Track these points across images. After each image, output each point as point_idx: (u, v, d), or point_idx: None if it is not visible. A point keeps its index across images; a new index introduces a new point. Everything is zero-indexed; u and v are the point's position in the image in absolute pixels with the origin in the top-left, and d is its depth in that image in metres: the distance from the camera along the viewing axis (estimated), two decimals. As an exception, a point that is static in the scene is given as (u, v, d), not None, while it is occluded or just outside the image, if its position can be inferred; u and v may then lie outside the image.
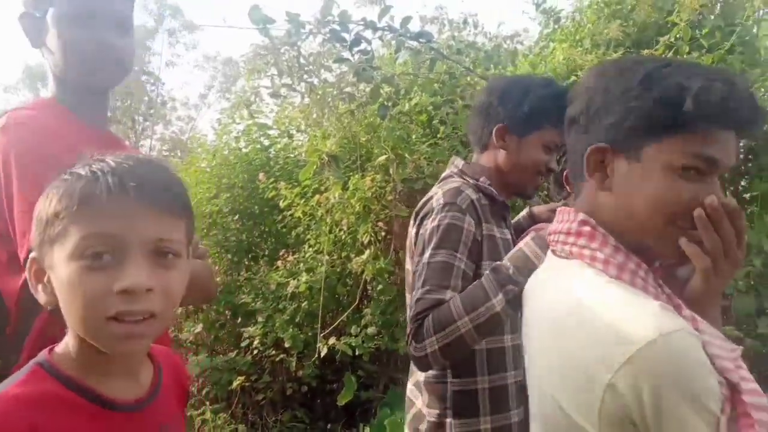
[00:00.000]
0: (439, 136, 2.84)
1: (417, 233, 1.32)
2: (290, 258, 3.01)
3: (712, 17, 3.09)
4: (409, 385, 1.47)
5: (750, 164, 3.32)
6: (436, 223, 1.25)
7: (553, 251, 0.89)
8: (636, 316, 0.73)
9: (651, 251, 0.82)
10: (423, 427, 1.35)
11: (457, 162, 1.46)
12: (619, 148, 0.80)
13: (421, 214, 1.33)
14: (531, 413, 0.91)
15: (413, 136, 2.91)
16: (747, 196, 3.27)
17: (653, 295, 0.78)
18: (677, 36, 2.83)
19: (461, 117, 2.86)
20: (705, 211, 0.76)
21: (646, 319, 0.71)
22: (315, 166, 2.35)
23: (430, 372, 1.33)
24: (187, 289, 0.79)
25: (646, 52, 2.89)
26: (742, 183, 3.44)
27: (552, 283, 0.87)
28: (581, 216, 0.84)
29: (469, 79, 2.91)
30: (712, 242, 0.77)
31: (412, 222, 1.39)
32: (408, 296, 1.40)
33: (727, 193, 3.39)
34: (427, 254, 1.23)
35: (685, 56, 2.83)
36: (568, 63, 3.15)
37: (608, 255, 0.79)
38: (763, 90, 2.75)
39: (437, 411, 1.32)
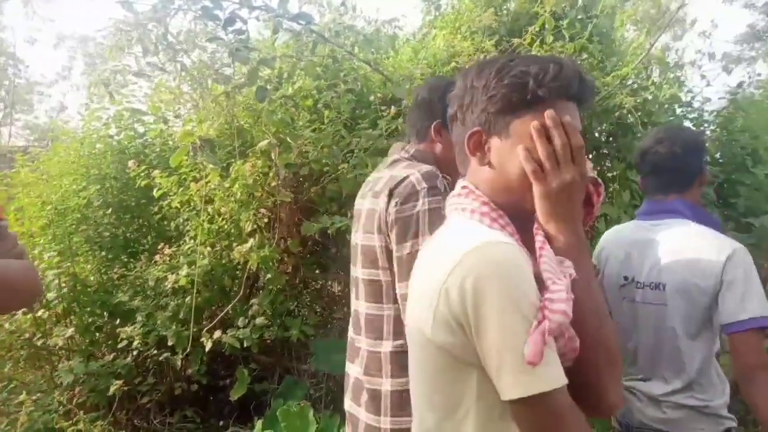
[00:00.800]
0: (324, 120, 2.81)
1: (395, 213, 1.35)
2: (168, 251, 2.83)
3: (574, 10, 3.33)
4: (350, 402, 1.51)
5: (610, 146, 3.65)
6: (425, 207, 1.31)
7: (449, 212, 1.05)
8: (473, 234, 0.91)
9: (524, 209, 0.97)
10: None
11: (408, 147, 1.53)
12: (490, 130, 0.98)
13: (401, 195, 1.35)
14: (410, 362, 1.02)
15: (300, 122, 2.85)
16: (609, 175, 3.59)
17: (500, 227, 0.94)
18: (542, 26, 3.01)
19: (344, 101, 2.84)
20: (543, 126, 0.92)
21: (479, 235, 0.89)
22: (187, 151, 2.22)
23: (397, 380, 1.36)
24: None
25: (516, 40, 3.04)
26: (606, 164, 3.78)
27: (439, 233, 1.05)
28: (463, 182, 1.03)
29: (351, 63, 2.90)
30: (544, 149, 0.92)
31: (383, 200, 1.39)
32: (361, 270, 1.46)
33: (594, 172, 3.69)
34: (420, 239, 1.30)
35: (549, 45, 3.03)
36: (448, 49, 3.25)
37: (477, 207, 0.97)
38: (618, 76, 3.00)
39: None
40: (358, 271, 1.48)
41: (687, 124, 5.25)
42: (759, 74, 5.72)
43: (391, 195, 1.38)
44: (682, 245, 1.61)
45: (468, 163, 1.03)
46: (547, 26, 2.92)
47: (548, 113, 0.91)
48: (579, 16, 3.22)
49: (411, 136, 1.58)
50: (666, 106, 4.11)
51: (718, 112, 5.22)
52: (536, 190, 0.92)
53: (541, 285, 0.85)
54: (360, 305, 1.48)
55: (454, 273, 0.85)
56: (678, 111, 5.21)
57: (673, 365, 1.63)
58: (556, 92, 0.93)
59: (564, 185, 0.91)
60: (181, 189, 2.81)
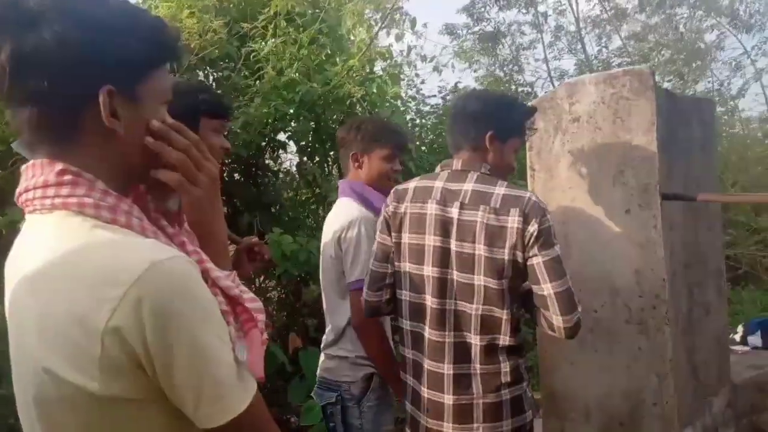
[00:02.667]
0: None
1: (539, 227, 1.50)
2: None
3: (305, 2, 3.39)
4: None
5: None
6: (550, 224, 1.53)
7: (32, 211, 0.77)
8: (126, 253, 0.70)
9: (148, 186, 0.85)
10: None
11: (480, 162, 1.62)
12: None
13: (537, 214, 1.51)
14: (18, 403, 0.78)
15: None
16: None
17: (152, 232, 0.77)
18: (276, 11, 2.98)
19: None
20: (153, 136, 0.79)
21: (137, 254, 0.69)
22: None
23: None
24: None
25: (246, 24, 2.95)
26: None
27: (29, 243, 0.76)
28: (60, 166, 0.74)
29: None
30: (175, 157, 0.80)
31: (517, 218, 1.51)
32: (457, 274, 1.55)
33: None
34: (553, 249, 1.52)
35: (283, 30, 3.01)
36: (172, 25, 2.96)
37: (98, 199, 0.74)
38: (347, 67, 3.15)
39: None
40: (435, 271, 1.57)
41: (410, 117, 5.90)
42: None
43: (525, 214, 1.51)
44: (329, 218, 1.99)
45: (69, 139, 0.78)
46: (280, 12, 2.88)
47: (152, 125, 0.79)
48: (309, 11, 3.29)
49: (463, 145, 1.65)
50: (389, 98, 4.51)
51: (435, 107, 5.97)
52: (183, 197, 0.84)
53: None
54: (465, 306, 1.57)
55: (123, 309, 0.66)
56: (400, 105, 5.80)
57: (331, 321, 1.94)
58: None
59: (213, 184, 0.84)
60: None
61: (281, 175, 3.95)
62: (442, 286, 1.56)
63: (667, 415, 1.81)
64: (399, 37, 3.72)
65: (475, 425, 1.51)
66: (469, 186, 1.57)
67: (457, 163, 1.63)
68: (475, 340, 1.53)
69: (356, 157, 1.94)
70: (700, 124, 2.49)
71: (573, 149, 1.98)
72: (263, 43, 3.03)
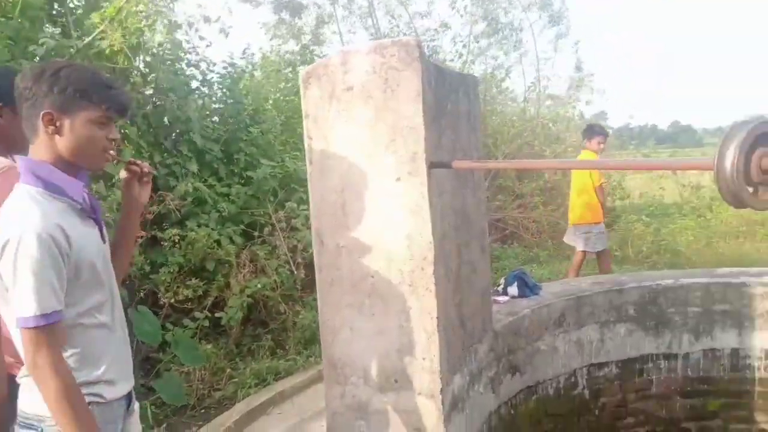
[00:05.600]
0: None
1: None
2: None
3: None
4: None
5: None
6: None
7: None
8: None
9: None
10: None
11: None
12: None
13: None
14: None
15: None
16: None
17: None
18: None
19: None
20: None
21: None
22: None
23: None
24: None
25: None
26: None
27: None
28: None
29: None
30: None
31: None
32: None
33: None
34: None
35: None
36: None
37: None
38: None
39: None
40: None
41: (196, 85, 5.48)
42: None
43: None
44: None
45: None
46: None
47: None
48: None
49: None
50: (168, 63, 4.10)
51: (224, 76, 5.62)
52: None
53: None
54: None
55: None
56: (187, 71, 5.34)
57: None
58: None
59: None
60: None
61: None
62: None
63: (435, 367, 1.96)
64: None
65: None
66: None
67: None
68: None
69: (50, 118, 1.41)
70: (465, 97, 2.71)
71: (348, 118, 1.98)
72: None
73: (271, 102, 6.66)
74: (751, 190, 1.02)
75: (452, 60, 11.02)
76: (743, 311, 3.56)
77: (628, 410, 3.64)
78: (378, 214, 1.97)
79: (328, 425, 2.07)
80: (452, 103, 2.51)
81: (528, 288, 3.54)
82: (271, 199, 4.88)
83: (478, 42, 11.78)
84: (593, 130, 5.81)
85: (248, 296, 4.19)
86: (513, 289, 3.58)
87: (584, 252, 5.91)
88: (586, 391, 3.53)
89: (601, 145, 5.67)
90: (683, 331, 3.62)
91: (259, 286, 4.26)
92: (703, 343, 3.63)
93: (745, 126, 0.99)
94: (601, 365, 3.58)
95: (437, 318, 1.96)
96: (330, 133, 1.99)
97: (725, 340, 3.60)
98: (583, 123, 12.31)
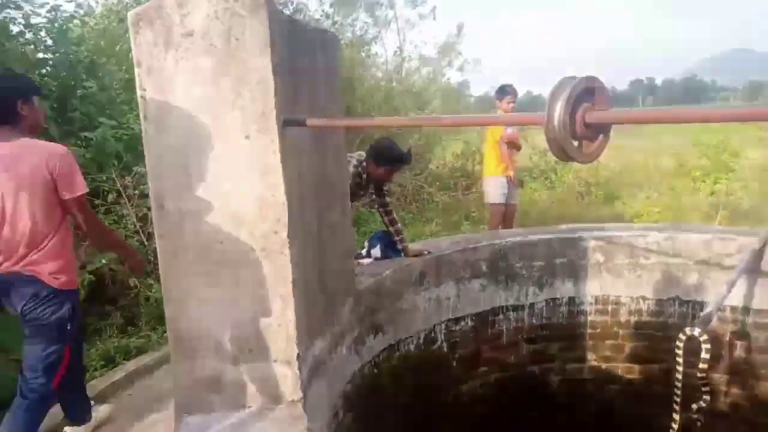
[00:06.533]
0: None
1: None
2: None
3: None
4: None
5: None
6: None
7: None
8: None
9: None
10: None
11: None
12: None
13: None
14: None
15: None
16: None
17: None
18: None
19: None
20: None
21: None
22: None
23: None
24: None
25: None
26: None
27: None
28: None
29: None
30: None
31: None
32: None
33: None
34: None
35: None
36: None
37: None
38: None
39: None
40: None
41: (18, 30, 4.70)
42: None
43: None
44: None
45: None
46: None
47: None
48: None
49: None
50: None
51: (52, 28, 4.89)
52: None
53: None
54: None
55: None
56: (13, 29, 4.57)
57: None
58: None
59: None
60: None
61: None
62: None
63: (291, 333, 1.89)
64: None
65: None
66: None
67: None
68: None
69: None
70: (324, 54, 2.60)
71: (188, 69, 1.78)
72: None
73: (113, 56, 5.95)
74: (576, 144, 1.06)
75: (319, 19, 10.73)
76: (579, 263, 3.96)
77: (482, 359, 3.91)
78: (226, 176, 1.83)
79: (177, 403, 1.92)
80: (309, 60, 2.39)
81: (391, 249, 3.60)
82: (116, 163, 4.40)
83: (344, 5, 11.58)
84: (504, 90, 5.91)
85: (89, 273, 3.77)
86: (376, 251, 3.61)
87: (495, 204, 6.09)
88: (445, 345, 3.72)
89: (511, 105, 5.76)
90: (529, 283, 3.94)
91: (104, 261, 3.85)
92: (546, 294, 3.99)
93: (570, 82, 1.02)
94: (458, 320, 3.78)
95: (293, 282, 1.89)
96: (168, 85, 1.79)
97: (564, 289, 3.99)
98: (451, 90, 12.80)
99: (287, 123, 1.92)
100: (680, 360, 2.87)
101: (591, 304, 4.01)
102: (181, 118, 1.79)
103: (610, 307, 3.99)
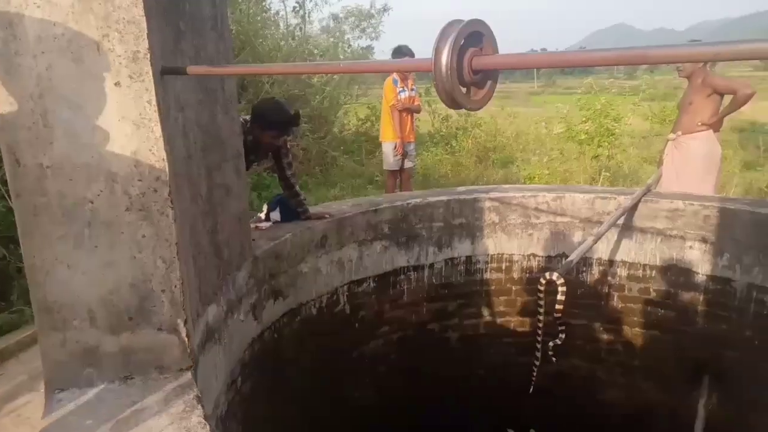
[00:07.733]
0: None
1: None
2: None
3: None
4: None
5: None
6: None
7: None
8: None
9: None
10: None
11: None
12: None
13: None
14: None
15: None
16: None
17: None
18: None
19: None
20: None
21: None
22: None
23: None
24: None
25: None
26: None
27: None
28: None
29: None
30: None
31: None
32: None
33: None
34: None
35: None
36: None
37: None
38: None
39: None
40: None
41: None
42: None
43: None
44: None
45: None
46: None
47: None
48: None
49: None
50: None
51: None
52: None
53: None
54: None
55: None
56: None
57: None
58: None
59: None
60: None
61: None
62: None
63: (177, 299, 1.77)
64: None
65: None
66: None
67: None
68: None
69: None
70: (210, 2, 2.40)
71: (42, 2, 1.55)
72: None
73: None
74: (464, 90, 1.04)
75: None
76: (475, 223, 4.09)
77: (384, 319, 3.96)
78: (94, 127, 1.63)
79: (47, 379, 1.74)
80: (191, 4, 2.19)
81: (291, 213, 3.49)
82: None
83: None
84: (400, 51, 5.81)
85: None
86: (276, 215, 3.50)
87: (389, 170, 6.07)
88: (347, 307, 3.72)
89: None
90: (429, 244, 4.02)
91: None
92: (445, 254, 4.09)
93: (457, 24, 0.98)
94: (360, 281, 3.78)
95: (177, 245, 1.75)
96: (17, 19, 1.54)
97: (462, 249, 4.11)
98: (352, 53, 12.58)
99: (165, 71, 1.75)
100: (541, 302, 3.08)
101: (486, 262, 4.18)
102: (35, 58, 1.56)
103: (504, 265, 4.18)
